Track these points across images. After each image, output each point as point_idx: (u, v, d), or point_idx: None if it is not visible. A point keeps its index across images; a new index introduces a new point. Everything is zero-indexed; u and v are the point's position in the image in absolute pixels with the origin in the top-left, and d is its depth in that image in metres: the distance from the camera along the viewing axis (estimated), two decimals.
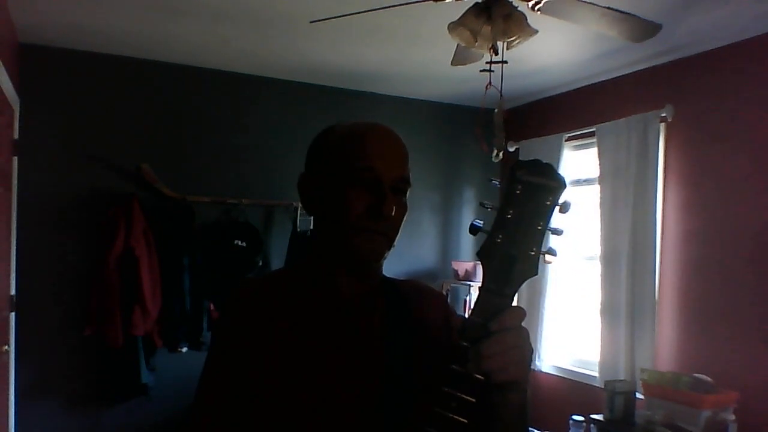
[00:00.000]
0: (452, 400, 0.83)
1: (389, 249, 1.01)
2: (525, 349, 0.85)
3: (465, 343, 0.83)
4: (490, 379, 0.82)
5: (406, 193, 1.02)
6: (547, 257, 0.84)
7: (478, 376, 0.82)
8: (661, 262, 3.47)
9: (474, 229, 0.87)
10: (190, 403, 1.00)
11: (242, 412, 0.95)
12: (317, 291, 1.02)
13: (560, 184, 0.83)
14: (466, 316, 0.87)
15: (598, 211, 3.80)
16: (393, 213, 0.97)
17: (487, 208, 0.87)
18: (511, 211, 0.83)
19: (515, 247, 0.83)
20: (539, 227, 0.83)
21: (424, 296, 1.12)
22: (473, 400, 0.83)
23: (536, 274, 0.85)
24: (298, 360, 0.96)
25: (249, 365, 0.95)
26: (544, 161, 0.85)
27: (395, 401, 0.96)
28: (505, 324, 0.83)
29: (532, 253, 0.83)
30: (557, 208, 0.83)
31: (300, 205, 4.38)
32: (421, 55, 3.62)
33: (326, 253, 1.03)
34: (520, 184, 0.83)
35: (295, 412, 0.93)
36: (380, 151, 0.99)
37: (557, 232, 0.85)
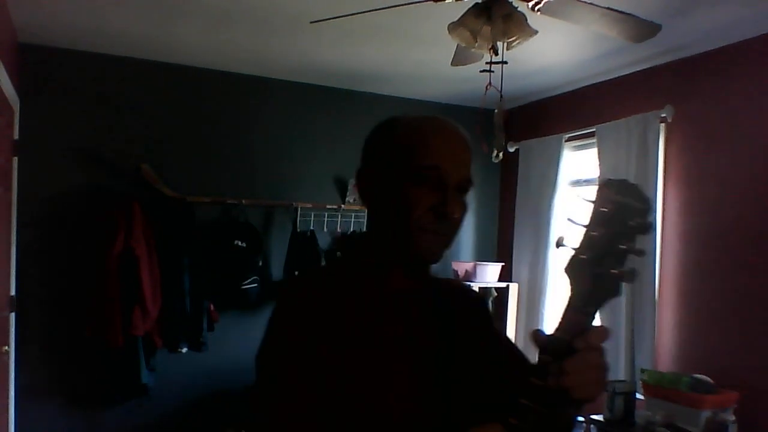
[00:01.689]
0: (529, 412, 0.84)
1: (448, 248, 1.02)
2: (605, 369, 0.86)
3: (547, 358, 0.84)
4: (569, 396, 0.83)
5: (467, 193, 1.02)
6: (628, 278, 0.84)
7: (557, 391, 0.83)
8: (661, 262, 3.47)
9: (560, 244, 0.87)
10: (268, 405, 0.96)
11: (321, 407, 0.94)
12: (372, 287, 1.02)
13: (649, 206, 0.82)
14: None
15: None
16: (456, 214, 0.97)
17: (576, 224, 0.86)
18: (598, 230, 0.83)
19: (601, 266, 0.83)
20: (624, 247, 0.82)
21: (466, 296, 1.16)
22: (550, 413, 0.83)
23: (619, 294, 0.84)
24: (360, 356, 0.96)
25: (318, 362, 0.94)
26: (633, 183, 0.84)
27: (444, 397, 0.99)
28: (590, 342, 0.83)
29: (615, 272, 0.83)
30: (642, 229, 0.83)
31: (299, 205, 4.41)
32: (421, 55, 3.62)
33: (384, 249, 1.02)
34: (610, 204, 0.82)
35: (361, 405, 0.94)
36: (447, 150, 0.99)
37: (640, 253, 0.83)
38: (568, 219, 0.87)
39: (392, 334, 0.99)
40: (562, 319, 0.85)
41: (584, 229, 0.84)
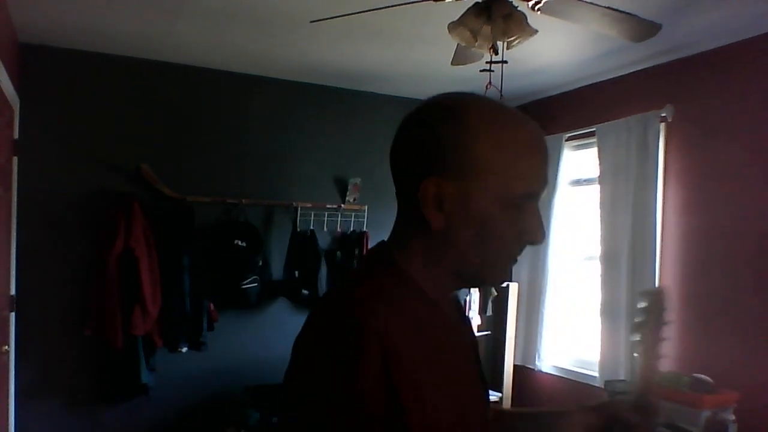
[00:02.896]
0: None
1: None
2: None
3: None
4: None
5: None
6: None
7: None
8: (661, 262, 3.47)
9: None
10: None
11: None
12: (433, 314, 0.89)
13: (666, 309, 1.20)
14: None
15: (598, 211, 3.79)
16: (543, 240, 0.91)
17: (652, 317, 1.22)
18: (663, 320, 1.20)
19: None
20: (663, 336, 1.18)
21: (461, 309, 1.09)
22: None
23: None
24: (441, 398, 0.83)
25: (395, 405, 0.77)
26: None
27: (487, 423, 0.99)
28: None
29: (659, 356, 1.16)
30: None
31: (299, 205, 4.40)
32: (421, 55, 3.62)
33: (446, 269, 0.90)
34: (662, 305, 1.22)
35: None
36: (544, 172, 0.89)
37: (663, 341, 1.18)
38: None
39: (464, 369, 0.92)
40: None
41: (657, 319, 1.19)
